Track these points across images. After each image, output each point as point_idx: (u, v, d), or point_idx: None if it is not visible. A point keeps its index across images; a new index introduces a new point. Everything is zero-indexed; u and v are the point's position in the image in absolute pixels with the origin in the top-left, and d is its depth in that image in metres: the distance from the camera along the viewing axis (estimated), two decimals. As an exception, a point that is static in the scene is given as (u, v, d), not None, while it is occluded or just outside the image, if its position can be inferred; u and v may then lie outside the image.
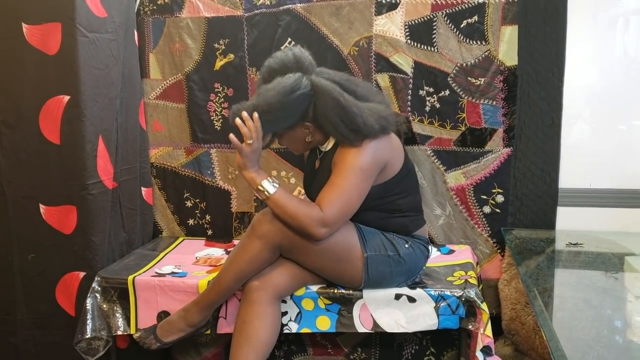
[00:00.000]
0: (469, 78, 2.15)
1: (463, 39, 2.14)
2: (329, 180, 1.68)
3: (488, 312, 1.74)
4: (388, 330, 1.81)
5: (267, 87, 1.68)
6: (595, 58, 2.14)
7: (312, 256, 1.73)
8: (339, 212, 1.65)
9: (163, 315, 1.89)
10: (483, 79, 2.14)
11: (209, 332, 1.87)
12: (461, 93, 2.17)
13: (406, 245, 1.78)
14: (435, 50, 2.16)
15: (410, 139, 2.22)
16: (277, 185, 1.67)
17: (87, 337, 1.90)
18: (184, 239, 2.43)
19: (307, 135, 1.76)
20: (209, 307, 1.79)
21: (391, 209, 1.78)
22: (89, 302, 1.91)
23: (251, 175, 1.68)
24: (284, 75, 1.67)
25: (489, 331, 1.73)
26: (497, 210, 2.21)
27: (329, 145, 1.80)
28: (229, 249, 2.26)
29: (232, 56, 2.32)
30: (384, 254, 1.74)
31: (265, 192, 1.66)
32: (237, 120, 1.65)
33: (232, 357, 1.69)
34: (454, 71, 2.16)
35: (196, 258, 2.15)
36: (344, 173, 1.66)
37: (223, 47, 2.32)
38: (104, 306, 1.94)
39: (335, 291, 1.81)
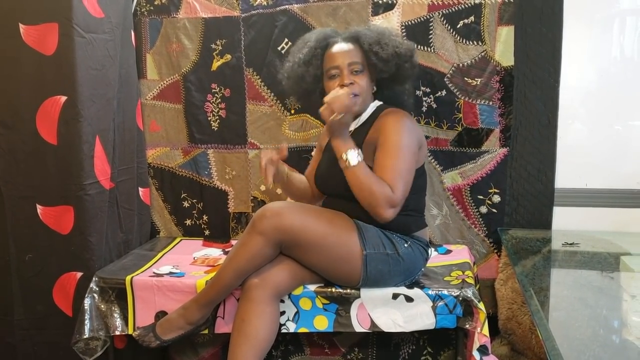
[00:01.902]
0: (466, 78, 2.16)
1: (459, 40, 2.14)
2: (381, 165, 1.71)
3: (485, 312, 1.74)
4: (386, 330, 1.81)
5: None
6: (591, 58, 2.15)
7: (312, 253, 1.73)
8: (403, 192, 1.70)
9: (161, 315, 1.89)
10: (479, 79, 2.15)
11: (206, 331, 1.87)
12: (458, 93, 2.17)
13: (405, 245, 1.79)
14: (432, 50, 2.17)
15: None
16: (360, 159, 1.70)
17: (85, 337, 1.90)
18: (181, 239, 2.43)
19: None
20: (208, 304, 1.79)
21: None
22: (86, 302, 1.91)
23: (338, 142, 1.72)
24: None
25: (485, 330, 1.73)
26: (494, 210, 2.22)
27: (360, 120, 1.86)
28: (226, 249, 2.26)
29: (229, 57, 2.32)
30: (382, 252, 1.75)
31: (348, 162, 1.69)
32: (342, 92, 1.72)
33: (230, 355, 1.69)
34: (451, 71, 2.17)
35: (194, 258, 2.15)
36: (395, 154, 1.71)
37: (220, 48, 2.32)
38: (102, 306, 1.94)
39: (333, 290, 1.81)
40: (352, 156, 1.69)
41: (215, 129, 2.38)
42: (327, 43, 1.87)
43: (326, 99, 1.72)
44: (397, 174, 1.69)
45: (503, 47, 2.11)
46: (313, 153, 2.11)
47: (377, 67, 1.83)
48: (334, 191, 1.85)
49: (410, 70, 1.88)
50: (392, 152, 1.72)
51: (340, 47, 1.84)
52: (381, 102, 1.92)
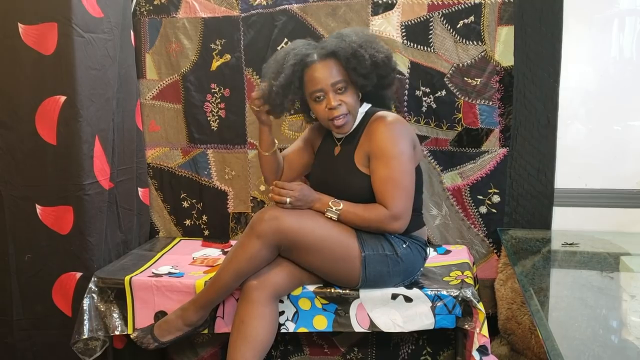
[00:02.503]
0: (465, 78, 2.16)
1: (459, 40, 2.14)
2: (378, 177, 1.74)
3: (484, 312, 1.74)
4: (385, 330, 1.81)
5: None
6: (590, 59, 2.15)
7: (311, 255, 1.73)
8: (402, 201, 1.72)
9: (160, 315, 1.89)
10: (479, 80, 2.15)
11: (206, 331, 1.87)
12: (457, 93, 2.17)
13: (404, 245, 1.78)
14: (432, 50, 2.17)
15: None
16: (339, 207, 1.75)
17: (84, 337, 1.90)
18: (180, 240, 2.43)
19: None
20: (206, 306, 1.79)
21: None
22: (86, 303, 1.91)
23: (317, 205, 1.77)
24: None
25: (485, 331, 1.73)
26: (493, 210, 2.21)
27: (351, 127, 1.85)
28: (225, 250, 2.26)
29: (228, 56, 2.32)
30: (381, 253, 1.75)
31: (336, 217, 1.75)
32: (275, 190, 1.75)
33: (229, 357, 1.70)
34: (450, 71, 2.16)
35: (193, 258, 2.14)
36: (389, 164, 1.72)
37: (219, 48, 2.32)
38: (101, 306, 1.93)
39: (332, 291, 1.81)
40: (332, 211, 1.75)
41: (215, 129, 2.38)
42: (305, 64, 1.78)
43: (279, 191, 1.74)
44: (392, 186, 1.71)
45: (503, 47, 2.11)
46: (298, 140, 2.07)
47: (358, 82, 1.79)
48: (330, 194, 1.83)
49: (392, 76, 1.86)
50: (386, 163, 1.73)
51: (319, 67, 1.77)
52: (369, 105, 1.89)
